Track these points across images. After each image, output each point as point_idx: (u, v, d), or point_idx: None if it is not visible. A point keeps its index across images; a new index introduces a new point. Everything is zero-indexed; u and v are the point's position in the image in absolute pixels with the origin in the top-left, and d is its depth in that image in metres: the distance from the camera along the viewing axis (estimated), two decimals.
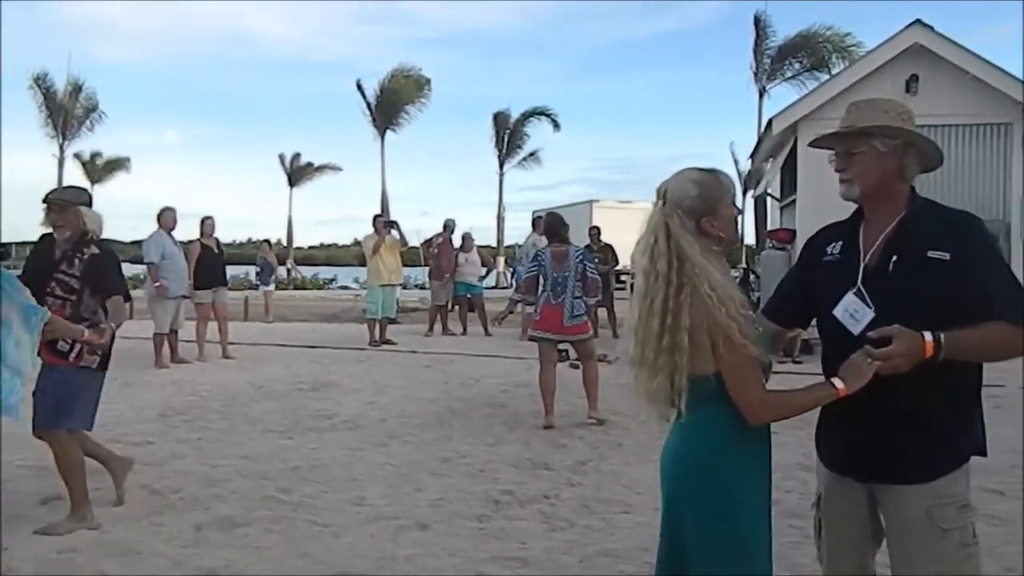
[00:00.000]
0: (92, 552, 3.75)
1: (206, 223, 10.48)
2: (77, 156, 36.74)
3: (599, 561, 3.74)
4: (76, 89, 32.71)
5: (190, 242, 10.42)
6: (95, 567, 3.58)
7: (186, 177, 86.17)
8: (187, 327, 10.07)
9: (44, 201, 4.25)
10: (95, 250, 4.23)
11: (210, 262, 10.28)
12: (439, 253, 13.36)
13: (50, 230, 4.26)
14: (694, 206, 2.04)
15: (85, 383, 4.16)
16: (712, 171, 2.13)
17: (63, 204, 4.23)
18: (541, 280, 6.64)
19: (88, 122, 33.77)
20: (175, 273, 9.56)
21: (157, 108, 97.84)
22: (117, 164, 39.85)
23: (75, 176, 35.94)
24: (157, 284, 9.41)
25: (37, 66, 34.60)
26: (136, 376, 8.77)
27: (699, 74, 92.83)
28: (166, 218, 9.73)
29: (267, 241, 19.49)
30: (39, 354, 3.72)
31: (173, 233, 9.80)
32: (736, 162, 30.50)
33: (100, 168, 39.17)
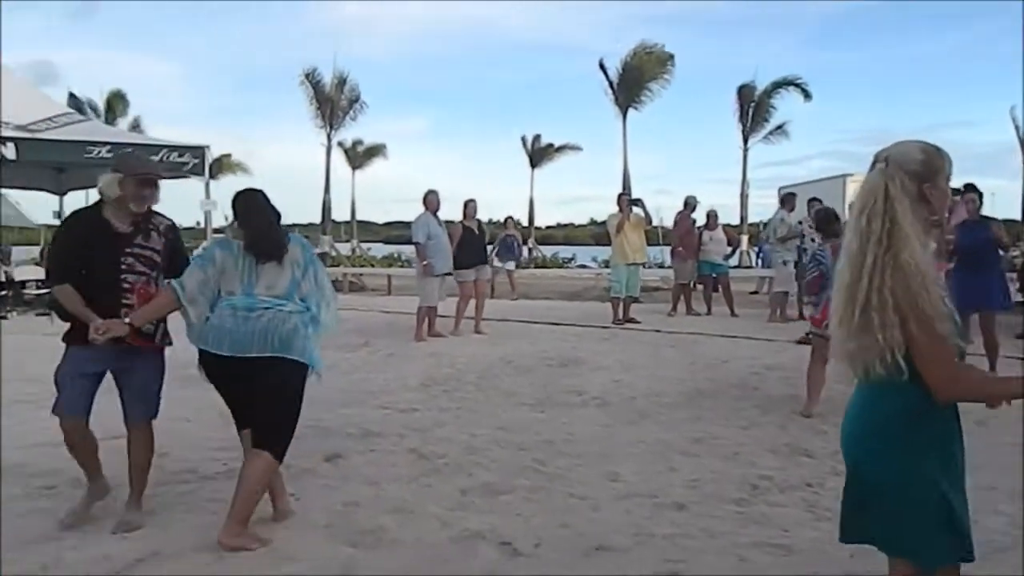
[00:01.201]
0: (372, 507, 4.07)
1: (469, 205, 11.00)
2: (340, 144, 39.80)
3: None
4: (341, 82, 35.33)
5: (452, 223, 11.01)
6: (374, 521, 3.86)
7: (434, 161, 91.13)
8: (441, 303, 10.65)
9: (133, 174, 3.77)
10: (168, 220, 3.99)
11: (472, 242, 10.81)
12: (680, 231, 13.14)
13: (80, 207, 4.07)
14: (918, 170, 2.05)
15: (163, 368, 3.98)
16: (933, 145, 2.13)
17: (159, 177, 3.93)
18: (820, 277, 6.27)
19: (352, 112, 36.42)
20: (439, 252, 10.15)
21: (408, 97, 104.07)
22: (375, 151, 42.79)
23: (339, 162, 39.07)
24: (424, 263, 10.05)
25: (308, 63, 37.84)
26: (398, 348, 9.42)
27: (963, 35, 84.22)
28: (431, 200, 10.31)
29: (510, 218, 19.67)
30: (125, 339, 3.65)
31: (438, 214, 10.38)
32: (1017, 128, 27.20)
33: (361, 155, 42.28)
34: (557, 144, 42.42)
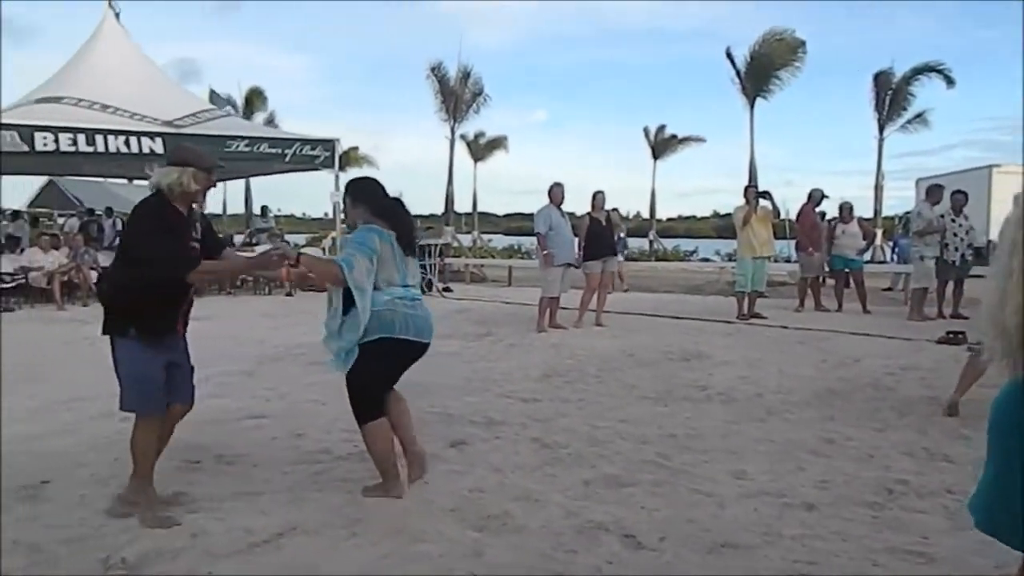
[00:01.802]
0: (497, 494, 4.13)
1: (597, 197, 10.99)
2: (463, 137, 40.47)
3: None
4: (465, 76, 35.93)
5: (580, 216, 11.05)
6: (500, 507, 3.92)
7: (554, 153, 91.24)
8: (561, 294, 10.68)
9: (206, 167, 3.78)
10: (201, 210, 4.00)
11: (600, 234, 10.82)
12: (804, 225, 12.72)
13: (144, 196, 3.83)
14: None
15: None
16: None
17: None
18: None
19: (475, 105, 36.96)
20: (561, 243, 10.24)
21: (528, 89, 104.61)
22: (496, 143, 43.32)
23: (461, 155, 39.72)
24: (545, 253, 10.14)
25: (433, 57, 38.55)
26: (520, 338, 9.51)
27: None
28: (555, 193, 10.37)
29: (615, 210, 19.62)
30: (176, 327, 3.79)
31: (561, 207, 10.44)
32: None
33: (482, 147, 42.86)
34: (681, 136, 41.80)
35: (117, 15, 16.15)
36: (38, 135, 12.67)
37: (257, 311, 12.63)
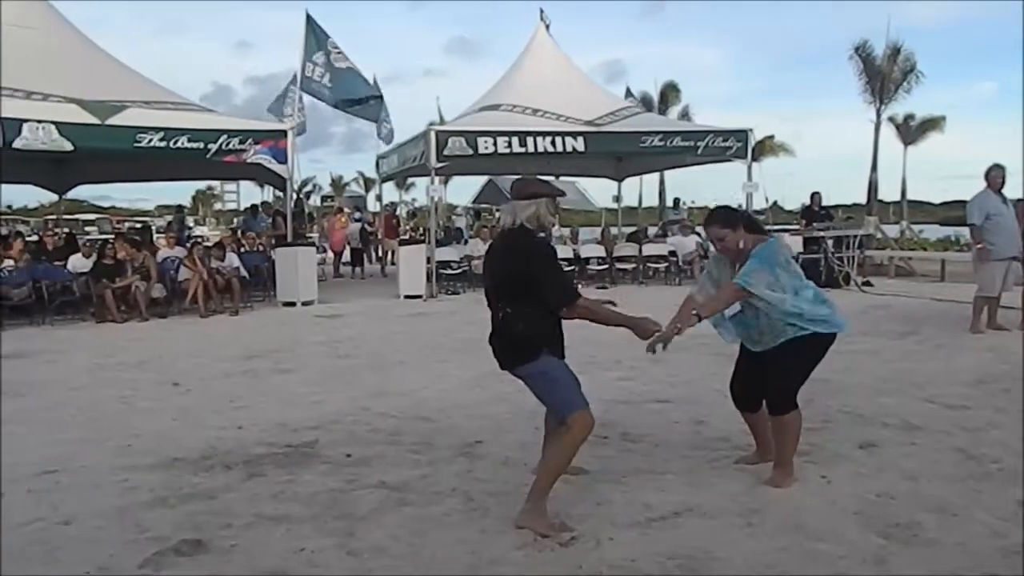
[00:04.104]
0: (908, 502, 3.84)
1: None
2: (891, 119, 37.43)
3: None
4: (894, 52, 33.20)
5: (1018, 201, 9.66)
6: (910, 516, 3.65)
7: (1001, 131, 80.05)
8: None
9: (554, 196, 3.83)
10: None
11: None
12: None
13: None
14: None
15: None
16: None
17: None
18: None
19: (905, 84, 34.00)
20: (1001, 234, 8.96)
21: (971, 62, 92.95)
22: (931, 124, 39.39)
23: (888, 139, 36.74)
24: (979, 246, 9.00)
25: (857, 36, 36.20)
26: (950, 339, 8.61)
27: None
28: (993, 177, 9.13)
29: None
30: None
31: (1002, 192, 9.19)
32: None
33: (913, 129, 39.25)
34: None
35: (547, 26, 17.67)
36: (480, 139, 14.42)
37: (669, 300, 12.99)
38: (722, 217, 4.14)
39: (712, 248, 4.39)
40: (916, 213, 41.47)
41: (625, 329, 3.86)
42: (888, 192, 36.61)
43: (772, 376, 4.08)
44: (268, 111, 17.52)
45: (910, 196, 40.48)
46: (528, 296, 3.63)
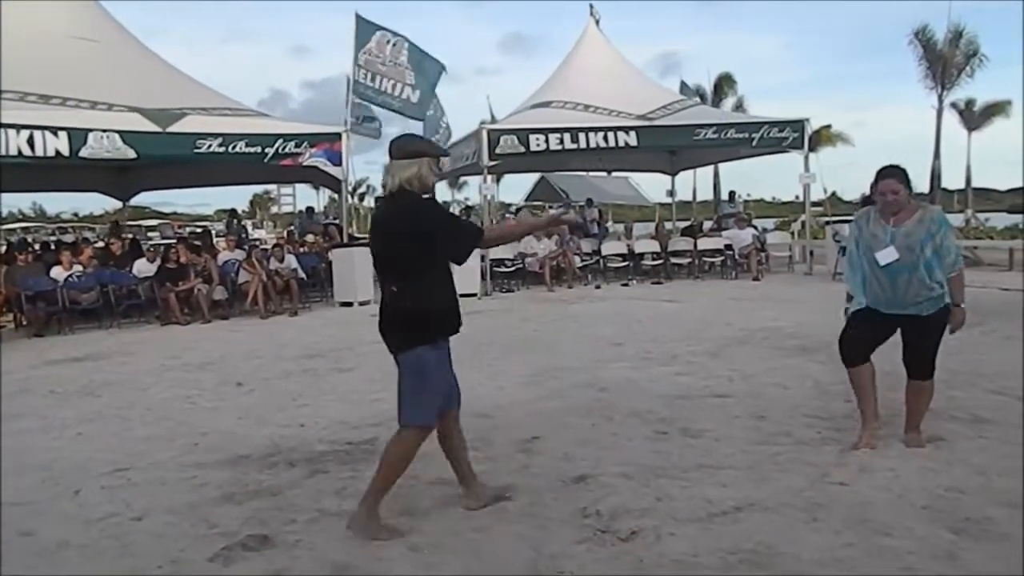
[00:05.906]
0: (979, 497, 3.73)
1: None
2: (954, 105, 36.42)
3: None
4: (956, 36, 32.27)
5: None
6: (981, 511, 3.56)
7: None
8: None
9: (437, 155, 3.67)
10: None
11: None
12: None
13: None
14: None
15: None
16: None
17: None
18: None
19: (968, 68, 33.02)
20: None
21: None
22: (996, 109, 38.20)
23: (951, 125, 35.73)
24: None
25: (917, 21, 35.28)
26: (1018, 330, 8.32)
27: None
28: None
29: None
30: None
31: None
32: None
33: (978, 115, 38.13)
34: None
35: (597, 22, 17.60)
36: (531, 137, 14.44)
37: (725, 295, 12.85)
38: (902, 173, 4.41)
39: (863, 213, 4.61)
40: (981, 201, 40.28)
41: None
42: (951, 180, 35.65)
43: (924, 344, 4.45)
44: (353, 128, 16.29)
45: (976, 184, 39.32)
46: (417, 270, 3.46)
